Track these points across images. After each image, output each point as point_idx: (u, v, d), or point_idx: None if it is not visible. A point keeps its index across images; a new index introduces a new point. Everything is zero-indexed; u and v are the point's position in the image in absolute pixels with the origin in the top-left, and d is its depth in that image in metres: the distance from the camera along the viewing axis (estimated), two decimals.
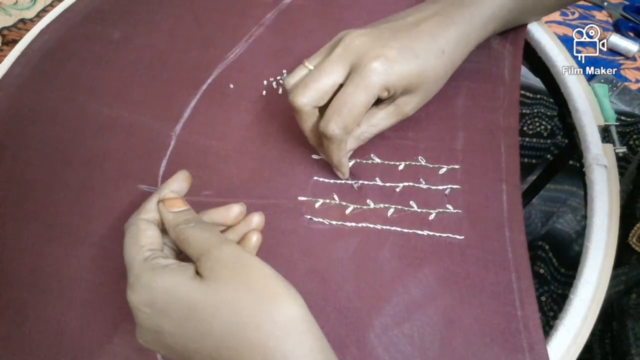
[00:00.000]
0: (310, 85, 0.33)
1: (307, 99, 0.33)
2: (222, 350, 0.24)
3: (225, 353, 0.24)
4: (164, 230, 0.29)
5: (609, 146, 0.39)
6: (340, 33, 0.35)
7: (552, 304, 0.52)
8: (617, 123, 0.41)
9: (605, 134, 0.41)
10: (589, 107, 0.41)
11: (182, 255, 0.29)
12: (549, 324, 0.48)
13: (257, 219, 0.31)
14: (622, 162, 0.54)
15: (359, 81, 0.32)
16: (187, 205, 0.30)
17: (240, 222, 0.31)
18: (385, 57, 0.32)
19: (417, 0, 0.40)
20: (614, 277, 0.34)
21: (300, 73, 0.35)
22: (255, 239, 0.30)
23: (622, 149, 0.39)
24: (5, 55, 0.47)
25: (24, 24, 0.87)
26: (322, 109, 0.34)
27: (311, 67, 0.35)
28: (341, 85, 0.33)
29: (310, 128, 0.35)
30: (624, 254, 0.39)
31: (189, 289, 0.25)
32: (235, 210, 0.31)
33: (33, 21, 0.87)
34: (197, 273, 0.26)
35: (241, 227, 0.31)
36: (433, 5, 0.37)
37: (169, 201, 0.29)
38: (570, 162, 0.61)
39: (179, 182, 0.31)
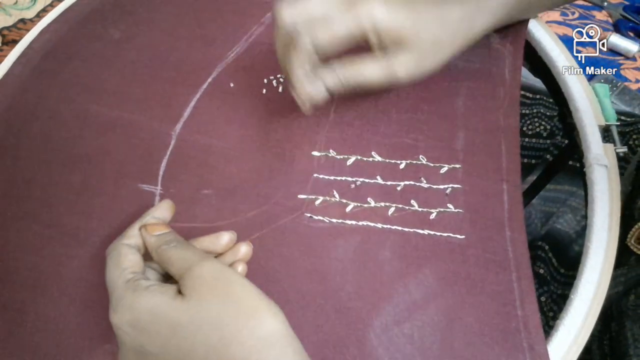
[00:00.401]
0: (300, 4, 0.32)
1: (290, 16, 0.32)
2: None
3: None
4: (146, 256, 0.30)
5: (610, 146, 0.39)
6: None
7: (552, 304, 0.52)
8: (618, 123, 0.41)
9: (606, 134, 0.41)
10: (589, 106, 0.41)
11: (170, 281, 0.29)
12: (548, 324, 0.48)
13: (244, 249, 0.31)
14: (622, 162, 0.54)
15: (349, 12, 0.31)
16: (168, 228, 0.30)
17: (227, 252, 0.31)
18: (384, 2, 0.32)
19: None
20: (613, 278, 0.34)
21: None
22: (240, 269, 0.31)
23: (623, 149, 0.39)
24: (5, 55, 0.47)
25: (24, 24, 0.87)
26: None
27: None
28: None
29: (283, 44, 0.34)
30: (622, 255, 0.39)
31: (171, 307, 0.25)
32: (225, 238, 0.31)
33: (33, 21, 0.87)
34: (180, 292, 0.26)
35: (228, 257, 0.31)
36: None
37: (151, 226, 0.30)
38: (570, 162, 0.61)
39: (162, 211, 0.31)
